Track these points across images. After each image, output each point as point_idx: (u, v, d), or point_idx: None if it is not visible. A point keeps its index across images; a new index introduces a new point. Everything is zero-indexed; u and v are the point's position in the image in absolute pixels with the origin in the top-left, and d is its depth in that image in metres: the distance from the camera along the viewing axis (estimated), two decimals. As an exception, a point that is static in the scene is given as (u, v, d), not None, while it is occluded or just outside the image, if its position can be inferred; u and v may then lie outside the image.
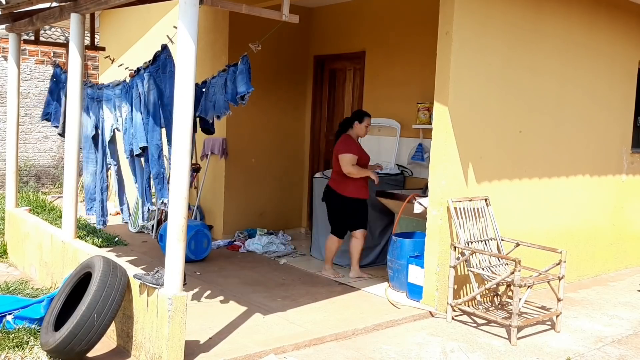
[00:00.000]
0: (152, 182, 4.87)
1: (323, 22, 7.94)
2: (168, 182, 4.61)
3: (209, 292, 5.31)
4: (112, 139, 5.33)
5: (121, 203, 5.49)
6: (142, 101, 4.75)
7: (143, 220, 5.08)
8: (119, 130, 5.17)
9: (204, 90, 5.20)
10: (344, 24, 7.62)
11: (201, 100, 5.18)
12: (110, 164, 5.38)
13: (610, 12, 6.38)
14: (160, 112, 4.72)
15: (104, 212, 5.44)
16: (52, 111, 6.15)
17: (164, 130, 4.80)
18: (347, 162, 5.76)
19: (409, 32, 6.74)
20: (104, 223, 5.46)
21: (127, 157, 5.00)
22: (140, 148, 4.78)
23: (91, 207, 5.45)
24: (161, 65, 4.67)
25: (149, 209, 4.81)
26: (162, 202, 4.73)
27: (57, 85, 6.06)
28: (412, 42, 6.69)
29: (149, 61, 4.79)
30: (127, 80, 5.01)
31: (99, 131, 5.36)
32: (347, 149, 5.81)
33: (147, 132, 4.72)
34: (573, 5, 5.96)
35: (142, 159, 4.96)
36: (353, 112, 6.15)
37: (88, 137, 5.39)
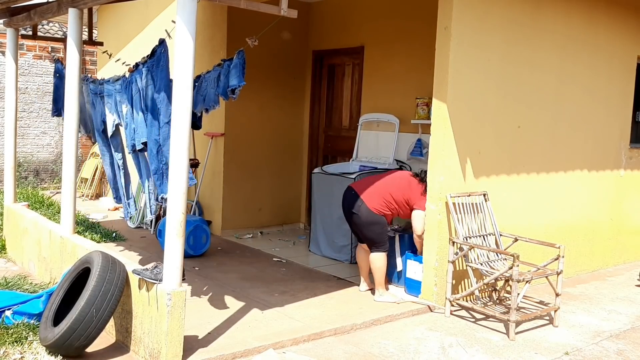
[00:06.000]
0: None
1: (322, 17, 7.92)
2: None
3: (207, 287, 5.31)
4: (115, 133, 5.35)
5: (127, 197, 5.52)
6: (141, 96, 4.75)
7: (151, 213, 5.09)
8: (121, 126, 5.18)
9: (196, 84, 5.19)
10: (343, 18, 7.61)
11: (192, 93, 5.17)
12: (115, 158, 5.43)
13: (609, 8, 6.38)
14: (157, 106, 4.73)
15: (129, 205, 5.51)
16: (62, 107, 6.13)
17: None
18: None
19: (407, 27, 6.73)
20: (130, 215, 5.56)
21: (130, 152, 5.01)
22: (142, 143, 4.79)
23: (117, 196, 5.60)
24: (156, 59, 4.67)
25: (156, 201, 4.85)
26: (162, 198, 4.73)
27: (62, 81, 6.03)
28: (411, 37, 6.68)
29: (147, 56, 4.79)
30: (127, 76, 5.00)
31: (106, 125, 5.40)
32: None
33: (146, 127, 4.72)
34: (572, 1, 5.95)
35: (146, 154, 4.97)
36: None
37: (99, 130, 5.45)
